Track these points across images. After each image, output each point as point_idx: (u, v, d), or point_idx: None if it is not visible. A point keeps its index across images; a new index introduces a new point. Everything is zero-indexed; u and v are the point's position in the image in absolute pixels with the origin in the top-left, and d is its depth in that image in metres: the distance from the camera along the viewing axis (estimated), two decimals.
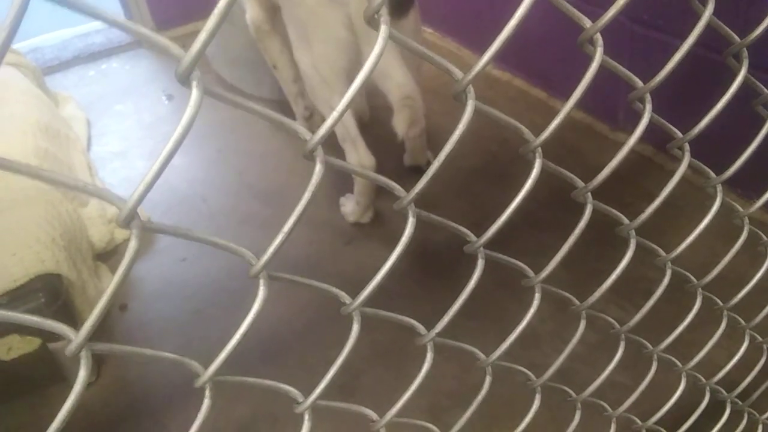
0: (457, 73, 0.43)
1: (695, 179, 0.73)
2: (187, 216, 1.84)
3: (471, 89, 0.43)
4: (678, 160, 0.61)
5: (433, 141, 1.88)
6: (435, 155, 0.47)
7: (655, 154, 1.85)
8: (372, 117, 2.07)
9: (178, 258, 1.71)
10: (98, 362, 1.42)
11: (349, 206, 1.75)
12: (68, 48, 2.75)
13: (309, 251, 1.68)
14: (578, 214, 0.58)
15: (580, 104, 2.01)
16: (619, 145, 0.53)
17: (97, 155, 2.13)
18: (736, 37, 0.56)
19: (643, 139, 0.52)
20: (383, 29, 0.38)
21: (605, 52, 0.47)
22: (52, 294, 1.31)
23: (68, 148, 1.93)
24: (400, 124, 1.51)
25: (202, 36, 0.34)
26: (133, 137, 2.21)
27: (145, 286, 1.64)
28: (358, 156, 1.59)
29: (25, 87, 2.03)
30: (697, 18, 0.51)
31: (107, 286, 1.29)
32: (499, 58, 2.27)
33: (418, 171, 1.87)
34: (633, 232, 0.60)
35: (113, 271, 1.63)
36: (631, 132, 0.53)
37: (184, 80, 0.35)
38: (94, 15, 0.33)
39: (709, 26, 0.51)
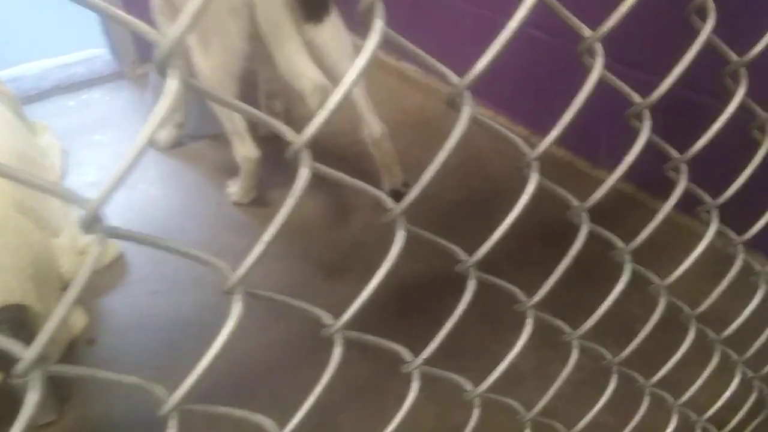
0: (454, 77, 0.41)
1: (681, 219, 0.72)
2: None
3: (468, 94, 0.41)
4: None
5: (414, 174, 1.86)
6: (413, 183, 0.45)
7: (636, 191, 1.85)
8: (356, 152, 2.06)
9: (149, 291, 1.65)
10: (60, 400, 1.35)
11: (234, 187, 1.95)
12: (49, 78, 2.72)
13: (286, 284, 1.64)
14: (562, 250, 0.56)
15: (561, 141, 2.03)
16: (600, 182, 0.52)
17: (74, 185, 2.07)
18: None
19: (624, 177, 0.51)
20: (374, 30, 0.36)
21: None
22: (17, 325, 1.25)
23: (42, 177, 1.88)
24: (314, 102, 1.62)
25: (184, 18, 0.32)
26: (111, 167, 2.16)
27: (115, 320, 1.58)
28: (245, 149, 1.79)
29: (2, 115, 1.99)
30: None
31: (74, 319, 1.22)
32: (483, 95, 2.29)
33: (398, 195, 1.86)
34: (629, 256, 0.58)
35: (82, 303, 1.57)
36: (612, 169, 0.52)
37: (163, 68, 0.33)
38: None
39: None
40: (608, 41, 0.44)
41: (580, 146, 1.99)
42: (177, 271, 1.68)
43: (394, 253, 0.42)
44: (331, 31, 1.70)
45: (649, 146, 0.50)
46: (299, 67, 1.62)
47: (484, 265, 0.52)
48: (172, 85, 0.32)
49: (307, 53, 1.63)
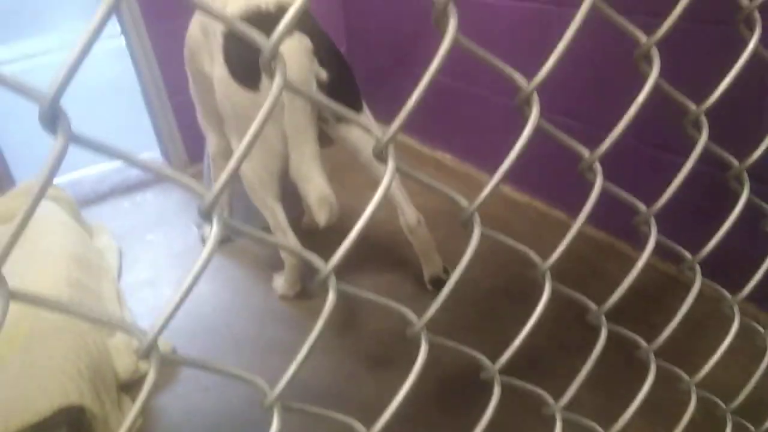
0: (463, 201, 0.45)
1: (715, 294, 0.73)
2: (211, 343, 1.84)
3: (477, 217, 0.45)
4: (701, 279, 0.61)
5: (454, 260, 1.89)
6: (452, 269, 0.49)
7: (680, 272, 1.83)
8: (391, 240, 2.12)
9: (200, 387, 1.69)
10: None
11: (279, 281, 2.01)
12: (106, 181, 2.90)
13: (330, 379, 1.66)
14: (583, 356, 0.58)
15: (601, 224, 2.04)
16: (647, 266, 0.54)
17: (128, 284, 2.17)
18: (735, 162, 0.58)
19: (665, 257, 0.53)
20: (390, 164, 0.41)
21: (613, 173, 0.49)
22: (74, 427, 1.30)
23: (99, 278, 1.99)
24: (320, 212, 1.64)
25: (224, 175, 0.37)
26: (162, 266, 2.27)
27: (166, 418, 1.61)
28: (287, 242, 1.77)
29: (62, 219, 2.13)
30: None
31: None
32: (518, 180, 2.34)
33: (438, 282, 1.89)
34: (652, 355, 0.60)
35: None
36: (660, 252, 0.53)
37: (206, 216, 0.38)
38: (128, 160, 0.36)
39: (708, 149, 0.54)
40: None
41: (619, 228, 1.99)
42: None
43: (418, 367, 0.45)
44: (361, 133, 1.77)
45: (683, 227, 0.52)
46: (309, 172, 1.65)
47: (512, 368, 0.54)
48: (216, 231, 0.38)
49: (321, 161, 1.66)
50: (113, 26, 2.98)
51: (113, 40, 2.73)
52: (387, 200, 1.90)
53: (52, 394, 1.30)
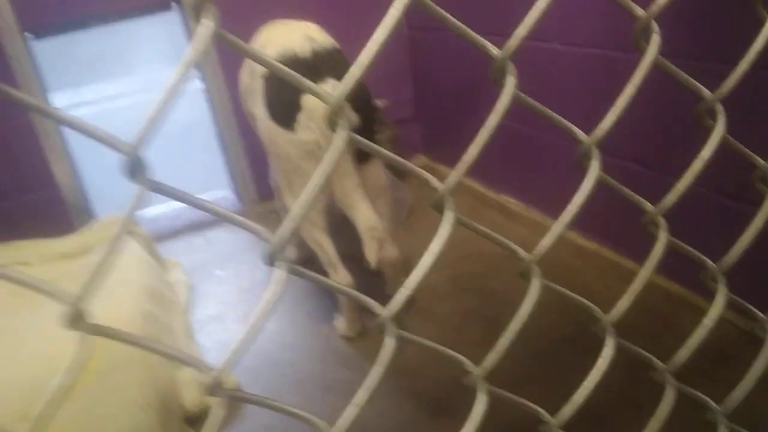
0: (521, 252, 0.45)
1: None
2: (274, 381, 1.86)
3: (536, 268, 0.45)
4: None
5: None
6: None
7: (751, 330, 1.74)
8: (455, 285, 2.10)
9: (263, 424, 1.71)
10: None
11: (340, 321, 2.03)
12: (180, 218, 3.02)
13: (391, 424, 1.65)
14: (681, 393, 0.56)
15: (673, 275, 1.97)
16: (720, 320, 0.52)
17: (196, 318, 2.24)
18: None
19: (737, 310, 0.51)
20: (448, 215, 0.42)
21: (682, 223, 0.48)
22: None
23: (170, 312, 2.06)
24: (370, 252, 1.77)
25: (288, 223, 0.39)
26: (230, 301, 2.33)
27: None
28: (338, 276, 1.89)
29: (138, 254, 2.23)
30: None
31: None
32: (586, 227, 2.29)
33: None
34: (723, 418, 0.57)
35: None
36: (733, 306, 0.52)
37: (270, 262, 0.40)
38: (199, 206, 0.38)
39: None
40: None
41: (694, 280, 1.92)
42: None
43: (476, 416, 0.45)
44: (374, 171, 1.89)
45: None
46: (354, 202, 1.78)
47: (573, 424, 0.53)
48: (281, 275, 0.39)
49: (363, 191, 1.79)
50: (191, 70, 3.13)
51: (191, 82, 2.89)
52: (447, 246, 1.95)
53: (123, 425, 1.35)
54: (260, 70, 1.82)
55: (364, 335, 2.01)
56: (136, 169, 0.32)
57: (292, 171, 1.82)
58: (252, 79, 1.93)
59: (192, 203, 0.37)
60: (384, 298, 0.43)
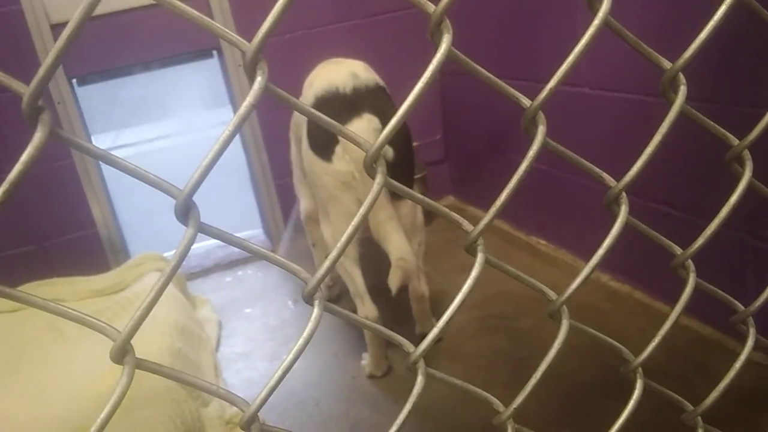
0: (551, 294, 0.46)
1: None
2: (299, 420, 1.86)
3: (565, 310, 0.46)
4: None
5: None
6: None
7: None
8: (484, 325, 2.09)
9: None
10: None
11: (367, 359, 2.04)
12: (210, 256, 3.07)
13: None
14: None
15: (706, 318, 1.93)
16: (751, 363, 0.52)
17: (224, 355, 2.26)
18: None
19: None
20: (480, 257, 0.43)
21: (719, 267, 0.49)
22: None
23: (199, 349, 2.08)
24: (393, 279, 1.80)
25: (326, 263, 0.41)
26: (258, 339, 2.34)
27: None
28: (365, 309, 1.93)
29: (169, 291, 2.26)
30: None
31: None
32: (617, 269, 2.27)
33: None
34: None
35: None
36: (764, 349, 0.52)
37: (309, 300, 0.42)
38: (243, 247, 0.41)
39: None
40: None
41: (727, 324, 1.88)
42: None
43: None
44: (409, 208, 1.93)
45: None
46: (389, 233, 1.82)
47: None
48: (317, 314, 0.41)
49: (397, 222, 1.84)
50: (228, 114, 3.25)
51: (226, 128, 2.97)
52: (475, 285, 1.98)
53: None
54: (306, 102, 1.92)
55: (392, 376, 2.00)
56: (187, 212, 0.34)
57: (327, 200, 1.90)
58: None
59: (236, 244, 0.39)
60: (414, 338, 0.44)
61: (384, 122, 1.78)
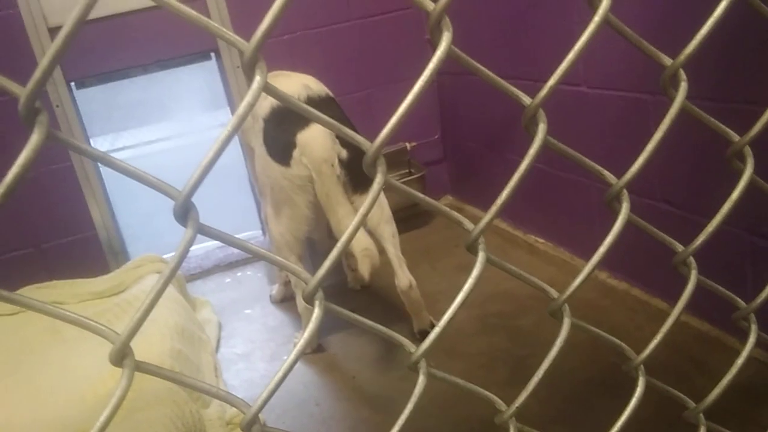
0: (552, 292, 0.46)
1: None
2: (300, 420, 1.86)
3: (566, 307, 0.46)
4: None
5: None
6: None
7: None
8: (484, 324, 2.09)
9: None
10: None
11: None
12: (210, 258, 3.07)
13: None
14: None
15: (706, 315, 1.93)
16: (751, 360, 0.52)
17: (224, 356, 2.26)
18: None
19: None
20: (481, 255, 0.43)
21: (714, 262, 0.49)
22: None
23: (199, 350, 2.08)
24: (363, 268, 1.91)
25: (326, 264, 0.41)
26: (258, 339, 2.34)
27: None
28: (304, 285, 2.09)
29: (169, 293, 2.26)
30: None
31: None
32: (616, 267, 2.27)
33: (427, 334, 1.92)
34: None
35: None
36: (764, 346, 0.52)
37: (309, 300, 0.42)
38: (243, 248, 0.40)
39: None
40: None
41: (726, 321, 1.88)
42: None
43: None
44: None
45: None
46: (347, 228, 1.91)
47: None
48: (318, 314, 0.41)
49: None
50: (226, 116, 3.26)
51: (225, 128, 2.96)
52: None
53: None
54: (261, 113, 2.05)
55: (392, 376, 2.00)
56: (186, 213, 0.34)
57: (283, 202, 2.00)
58: (254, 120, 2.15)
59: (236, 245, 0.39)
60: (412, 337, 0.44)
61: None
